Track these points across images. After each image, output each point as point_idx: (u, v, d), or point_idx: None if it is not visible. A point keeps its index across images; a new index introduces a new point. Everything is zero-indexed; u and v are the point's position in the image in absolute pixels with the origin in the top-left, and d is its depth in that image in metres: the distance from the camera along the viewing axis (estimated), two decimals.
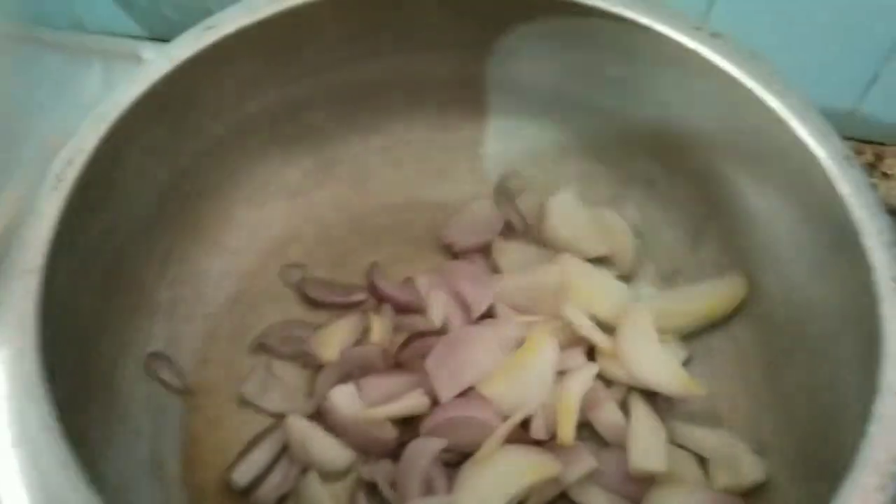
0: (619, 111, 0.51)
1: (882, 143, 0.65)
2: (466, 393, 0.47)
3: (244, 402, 0.48)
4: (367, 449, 0.46)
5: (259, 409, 0.48)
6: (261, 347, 0.50)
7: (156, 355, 0.47)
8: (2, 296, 0.33)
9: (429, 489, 0.44)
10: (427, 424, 0.45)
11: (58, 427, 0.31)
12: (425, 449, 0.44)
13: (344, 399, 0.46)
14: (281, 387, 0.49)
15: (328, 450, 0.45)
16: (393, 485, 0.44)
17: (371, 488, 0.45)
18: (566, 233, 0.53)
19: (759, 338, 0.48)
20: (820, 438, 0.41)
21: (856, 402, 0.37)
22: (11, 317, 0.33)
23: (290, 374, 0.50)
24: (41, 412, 0.31)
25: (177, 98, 0.43)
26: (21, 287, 0.33)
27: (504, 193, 0.57)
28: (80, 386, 0.40)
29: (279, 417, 0.47)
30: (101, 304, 0.43)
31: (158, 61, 0.41)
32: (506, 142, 0.57)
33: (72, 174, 0.35)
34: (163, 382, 0.47)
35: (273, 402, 0.48)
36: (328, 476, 0.45)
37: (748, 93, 0.39)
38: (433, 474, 0.44)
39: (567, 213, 0.53)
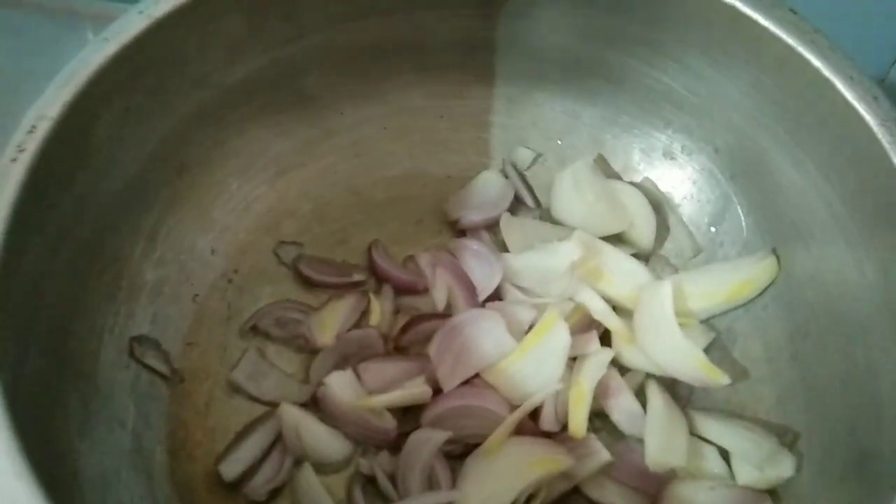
0: (640, 77, 0.47)
1: None
2: (471, 381, 0.44)
3: (235, 389, 0.45)
4: (365, 440, 0.43)
5: (250, 397, 0.45)
6: (253, 330, 0.47)
7: (140, 339, 0.44)
8: None
9: (431, 483, 0.41)
10: (429, 414, 0.42)
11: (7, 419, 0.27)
12: (428, 440, 0.41)
13: (341, 386, 0.43)
14: (274, 372, 0.46)
15: (324, 440, 0.42)
16: (393, 478, 0.41)
17: (369, 481, 0.42)
18: (579, 208, 0.49)
19: (788, 322, 0.44)
20: (856, 433, 0.38)
21: None
22: None
23: (284, 359, 0.47)
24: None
25: (156, 60, 0.40)
26: None
27: (513, 166, 0.53)
28: (54, 373, 0.37)
29: (272, 405, 0.44)
30: (78, 286, 0.40)
31: (133, 18, 0.37)
32: (515, 110, 0.53)
33: (34, 144, 0.32)
34: (148, 368, 0.44)
35: (265, 388, 0.45)
36: (324, 468, 0.43)
37: (788, 50, 0.35)
38: (436, 467, 0.41)
39: (580, 187, 0.49)
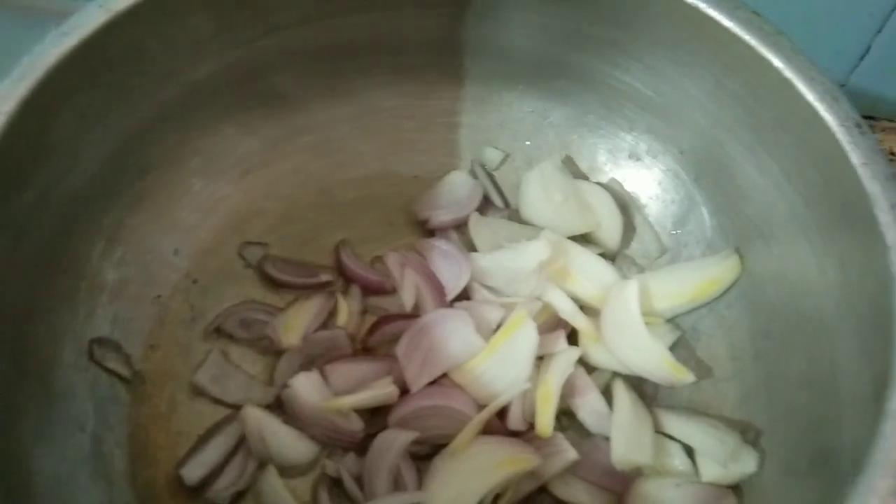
0: (606, 77, 0.47)
1: (872, 118, 0.63)
2: (439, 381, 0.44)
3: (198, 392, 0.45)
4: (331, 441, 0.43)
5: (214, 399, 0.44)
6: (217, 332, 0.47)
7: (100, 341, 0.43)
8: None
9: (397, 484, 0.40)
10: (396, 415, 0.42)
11: None
12: (394, 441, 0.40)
13: (307, 387, 0.42)
14: (238, 374, 0.45)
15: (289, 443, 0.42)
16: (359, 480, 0.41)
17: (335, 484, 0.42)
18: (546, 208, 0.49)
19: (751, 320, 0.45)
20: (818, 431, 0.38)
21: (860, 392, 0.35)
22: None
23: (248, 361, 0.46)
24: None
25: (116, 56, 0.39)
26: None
27: (481, 167, 0.53)
28: (10, 375, 0.37)
29: (236, 408, 0.44)
30: (36, 286, 0.39)
31: (93, 11, 0.36)
32: (484, 111, 0.53)
33: None
34: (108, 371, 0.43)
35: (229, 391, 0.44)
36: (289, 471, 0.42)
37: (750, 52, 0.36)
38: (402, 468, 0.41)
39: (547, 187, 0.49)
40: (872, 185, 0.31)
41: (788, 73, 0.34)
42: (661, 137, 0.49)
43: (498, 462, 0.40)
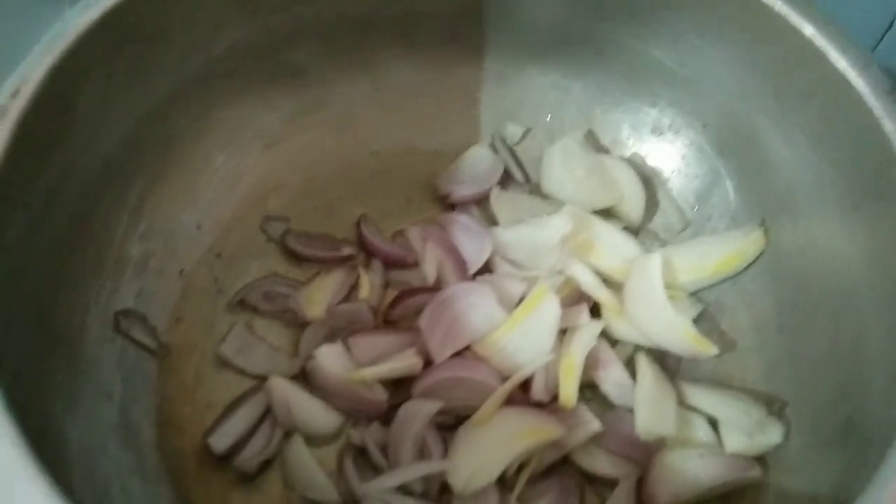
0: (630, 50, 0.47)
1: None
2: (462, 353, 0.44)
3: (223, 363, 0.45)
4: (355, 412, 0.43)
5: (239, 370, 0.45)
6: (241, 305, 0.47)
7: (126, 313, 0.43)
8: None
9: (422, 453, 0.41)
10: (420, 386, 0.42)
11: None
12: (419, 411, 0.41)
13: (331, 358, 0.42)
14: (262, 346, 0.45)
15: (314, 413, 0.42)
16: (384, 449, 0.41)
17: (360, 453, 0.42)
18: (568, 183, 0.49)
19: (775, 293, 0.45)
20: (845, 401, 0.38)
21: (890, 362, 0.35)
22: None
23: (272, 334, 0.47)
24: None
25: (139, 29, 0.39)
26: None
27: (502, 141, 0.53)
28: (39, 346, 0.37)
29: (261, 379, 0.44)
30: (62, 258, 0.39)
31: None
32: (504, 85, 0.53)
33: (17, 107, 0.31)
34: (134, 342, 0.43)
35: (254, 362, 0.45)
36: (314, 440, 0.42)
37: (780, 21, 0.35)
38: (427, 438, 0.41)
39: (569, 162, 0.49)
40: None
41: (820, 41, 0.34)
42: (686, 111, 0.48)
43: (522, 432, 0.40)
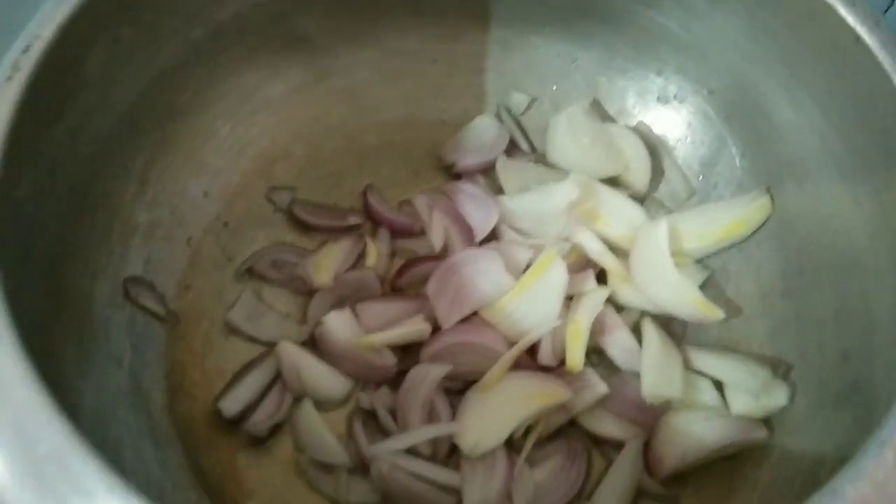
0: (635, 16, 0.47)
1: None
2: (469, 319, 0.44)
3: (232, 330, 0.45)
4: (364, 377, 0.43)
5: (248, 337, 0.45)
6: (249, 273, 0.47)
7: (134, 280, 0.44)
8: None
9: (431, 417, 0.41)
10: (428, 351, 0.43)
11: (26, 356, 0.27)
12: (428, 375, 0.41)
13: (340, 325, 0.43)
14: (271, 313, 0.46)
15: (324, 377, 0.42)
16: (392, 413, 0.41)
17: (370, 416, 0.42)
18: (574, 152, 0.49)
19: (781, 259, 0.45)
20: (848, 362, 0.38)
21: (891, 325, 0.35)
22: None
23: (280, 301, 0.47)
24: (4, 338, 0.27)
25: None
26: None
27: (507, 111, 0.53)
28: (50, 312, 0.37)
29: (270, 345, 0.44)
30: (70, 223, 0.39)
31: None
32: (509, 55, 0.52)
33: (28, 63, 0.31)
34: (143, 308, 0.43)
35: (263, 329, 0.45)
36: (324, 405, 0.43)
37: None
38: (436, 401, 0.41)
39: (575, 130, 0.49)
40: None
41: None
42: (691, 78, 0.48)
43: (529, 395, 0.41)
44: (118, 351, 0.41)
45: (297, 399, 0.43)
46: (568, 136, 0.49)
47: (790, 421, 0.41)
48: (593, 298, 0.44)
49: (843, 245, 0.40)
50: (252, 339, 0.45)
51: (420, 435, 0.40)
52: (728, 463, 0.41)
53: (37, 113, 0.33)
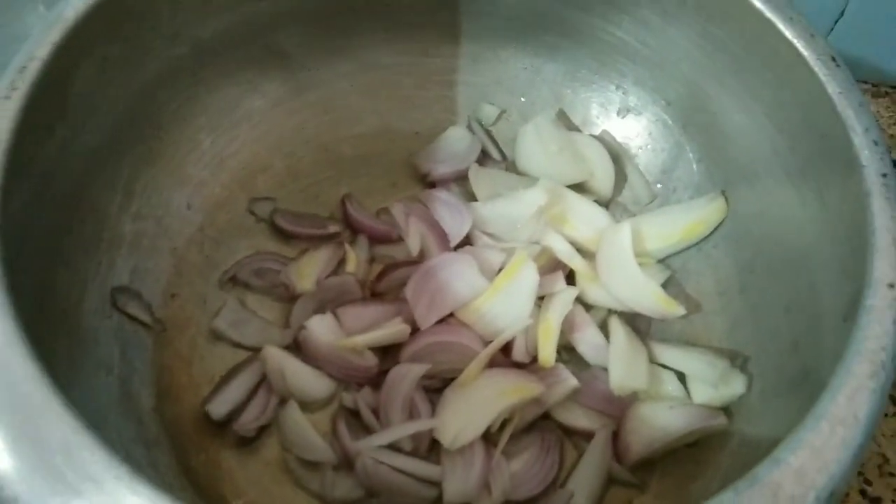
0: (597, 31, 0.50)
1: None
2: (446, 320, 0.46)
3: (217, 337, 0.47)
4: (347, 378, 0.45)
5: (233, 343, 0.46)
6: (232, 281, 0.49)
7: (121, 290, 0.45)
8: None
9: (412, 414, 0.43)
10: (408, 351, 0.45)
11: (27, 346, 0.28)
12: (408, 374, 0.43)
13: (323, 328, 0.45)
14: (255, 320, 0.47)
15: (308, 379, 0.44)
16: (375, 411, 0.43)
17: (353, 415, 0.44)
18: (542, 159, 0.52)
19: (736, 257, 0.48)
20: (800, 352, 0.41)
21: (839, 311, 0.37)
22: None
23: (263, 308, 0.49)
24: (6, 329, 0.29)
25: (132, 11, 0.40)
26: None
27: (478, 122, 0.55)
28: (40, 318, 0.38)
29: (254, 350, 0.46)
30: (60, 233, 0.40)
31: None
32: (479, 68, 0.55)
33: (25, 83, 0.33)
34: (130, 317, 0.45)
35: (247, 335, 0.46)
36: (308, 406, 0.45)
37: None
38: (416, 399, 0.43)
39: (543, 139, 0.52)
40: (847, 111, 0.34)
41: (769, 14, 0.37)
42: (650, 89, 0.51)
43: (504, 390, 0.43)
44: (107, 358, 0.43)
45: (283, 401, 0.44)
46: (536, 145, 0.52)
47: (748, 408, 0.43)
48: (563, 298, 0.46)
49: (793, 242, 0.43)
50: (237, 345, 0.46)
51: (402, 431, 0.42)
52: (691, 449, 0.43)
53: (31, 129, 0.35)
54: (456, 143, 0.55)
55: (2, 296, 0.29)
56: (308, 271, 0.48)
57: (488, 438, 0.43)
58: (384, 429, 0.42)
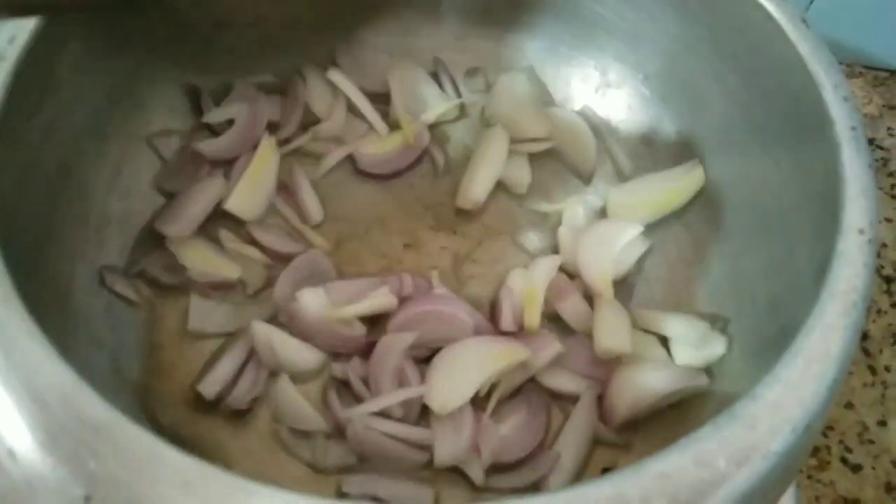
0: (578, 7, 0.51)
1: None
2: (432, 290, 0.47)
3: (198, 337, 0.47)
4: (336, 349, 0.46)
5: (216, 335, 0.46)
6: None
7: (110, 268, 0.45)
8: None
9: (401, 382, 0.44)
10: (395, 321, 0.45)
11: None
12: (396, 343, 0.44)
13: (313, 301, 0.45)
14: (222, 306, 0.47)
15: (297, 352, 0.45)
16: (365, 381, 0.44)
17: (343, 385, 0.45)
18: (510, 108, 0.53)
19: (715, 223, 0.49)
20: (776, 312, 0.42)
21: (813, 267, 0.38)
22: None
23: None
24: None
25: None
26: None
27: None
28: (32, 294, 0.38)
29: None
30: (50, 209, 0.41)
31: None
32: (462, 47, 0.56)
33: (14, 53, 0.33)
34: (118, 296, 0.45)
35: (222, 323, 0.46)
36: (299, 377, 0.45)
37: None
38: (405, 368, 0.44)
39: (516, 91, 0.53)
40: (817, 69, 0.35)
41: None
42: (629, 63, 0.52)
43: (492, 356, 0.43)
44: (98, 334, 0.43)
45: (273, 374, 0.45)
46: (506, 94, 0.53)
47: (728, 369, 0.44)
48: (547, 265, 0.47)
49: (770, 206, 0.44)
50: (219, 336, 0.47)
51: (392, 398, 0.42)
52: (674, 411, 0.44)
53: (19, 103, 0.35)
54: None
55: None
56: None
57: (476, 404, 0.44)
58: (374, 397, 0.43)
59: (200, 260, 0.47)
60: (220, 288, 0.48)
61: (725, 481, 0.25)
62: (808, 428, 0.27)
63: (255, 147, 0.50)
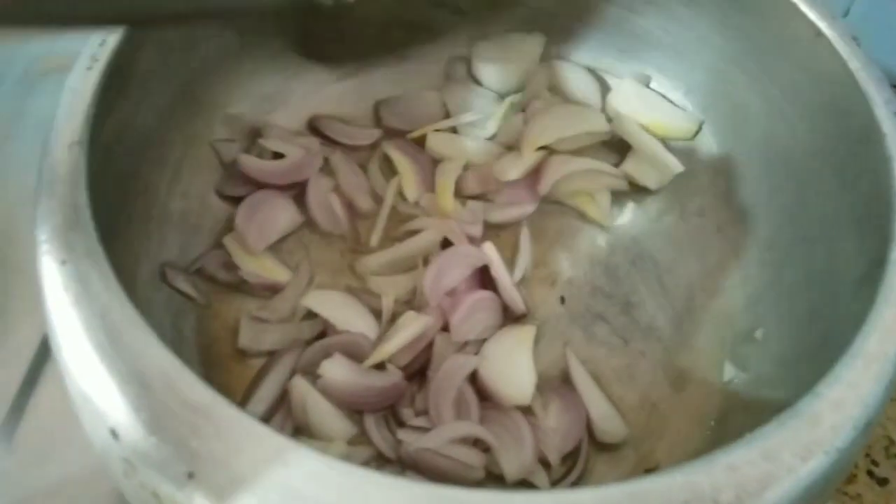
0: (622, 21, 0.53)
1: None
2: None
3: (248, 356, 0.47)
4: (377, 405, 0.44)
5: (263, 355, 0.47)
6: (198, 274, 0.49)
7: (170, 264, 0.47)
8: (48, 169, 0.33)
9: (459, 405, 0.43)
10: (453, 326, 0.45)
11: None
12: (456, 371, 0.43)
13: (338, 368, 0.43)
14: (272, 327, 0.47)
15: (328, 419, 0.43)
16: (411, 397, 0.44)
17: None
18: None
19: (755, 234, 0.50)
20: (817, 321, 0.42)
21: (854, 275, 0.39)
22: (61, 188, 0.32)
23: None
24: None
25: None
26: (70, 159, 0.33)
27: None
28: None
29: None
30: (118, 206, 0.42)
31: None
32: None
33: (105, 55, 0.35)
34: (178, 291, 0.47)
35: (270, 342, 0.47)
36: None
37: None
38: (465, 392, 0.44)
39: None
40: (868, 85, 0.37)
41: None
42: (671, 75, 0.54)
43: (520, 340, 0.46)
44: (159, 327, 0.44)
45: (297, 430, 0.43)
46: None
47: (765, 377, 0.45)
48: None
49: (812, 218, 0.44)
50: (267, 355, 0.47)
51: (458, 429, 0.41)
52: (712, 423, 0.45)
53: (102, 104, 0.37)
54: None
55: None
56: None
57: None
58: (437, 425, 0.42)
59: (254, 262, 0.49)
60: (269, 289, 0.49)
61: (790, 475, 0.26)
62: (868, 425, 0.28)
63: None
